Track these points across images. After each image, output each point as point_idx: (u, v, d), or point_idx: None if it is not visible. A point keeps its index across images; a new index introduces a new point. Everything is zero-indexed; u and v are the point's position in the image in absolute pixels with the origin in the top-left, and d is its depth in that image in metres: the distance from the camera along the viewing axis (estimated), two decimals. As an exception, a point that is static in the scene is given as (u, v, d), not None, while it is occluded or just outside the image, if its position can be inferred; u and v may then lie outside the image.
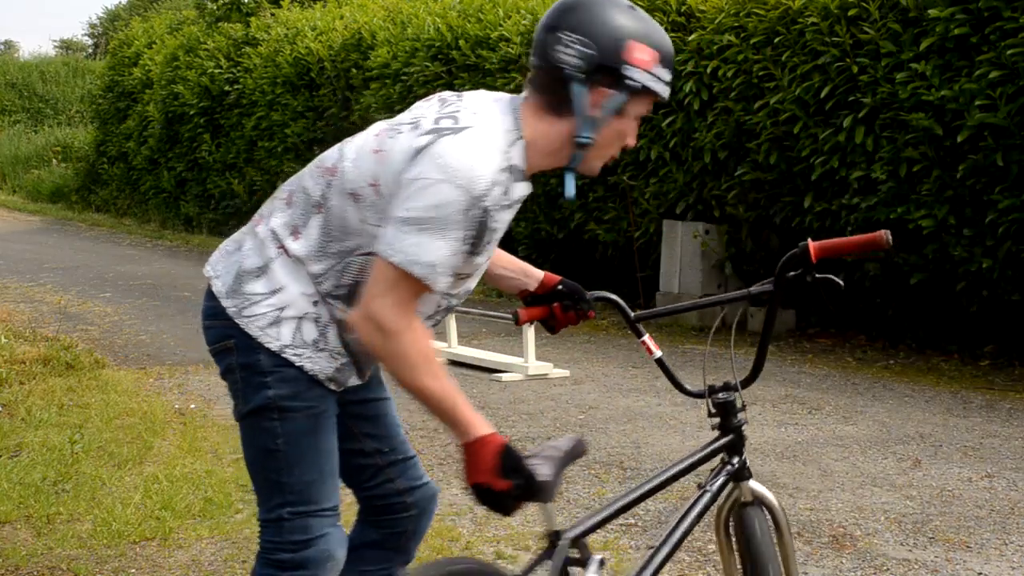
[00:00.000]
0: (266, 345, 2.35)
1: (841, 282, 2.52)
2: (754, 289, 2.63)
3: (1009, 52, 7.01)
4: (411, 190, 2.21)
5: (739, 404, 2.60)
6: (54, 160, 25.42)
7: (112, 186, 21.10)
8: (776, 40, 8.54)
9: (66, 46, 46.93)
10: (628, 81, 2.29)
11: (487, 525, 4.50)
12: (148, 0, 37.24)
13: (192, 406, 6.62)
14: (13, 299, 10.79)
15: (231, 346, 2.38)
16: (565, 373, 7.43)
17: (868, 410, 6.42)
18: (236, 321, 2.35)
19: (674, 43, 9.18)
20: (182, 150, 18.20)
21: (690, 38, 9.25)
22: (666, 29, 9.32)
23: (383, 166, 2.29)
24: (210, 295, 2.42)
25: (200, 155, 17.57)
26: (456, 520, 4.56)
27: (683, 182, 9.44)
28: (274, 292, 2.35)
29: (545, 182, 10.88)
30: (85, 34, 49.47)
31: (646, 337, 2.66)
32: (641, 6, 10.24)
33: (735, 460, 2.58)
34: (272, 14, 16.93)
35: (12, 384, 6.87)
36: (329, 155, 2.42)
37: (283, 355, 2.35)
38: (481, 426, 2.22)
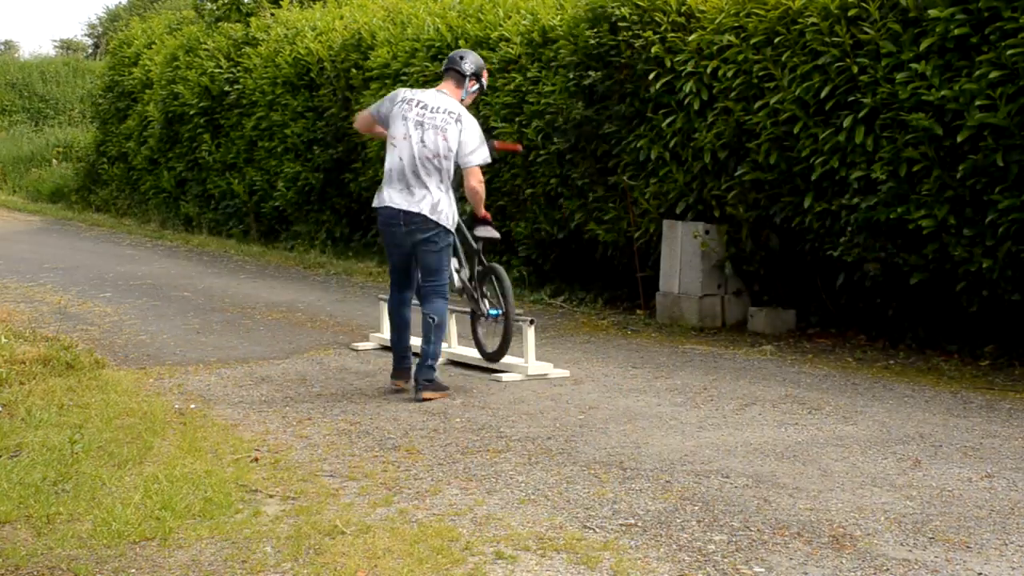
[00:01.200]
0: (448, 227, 6.73)
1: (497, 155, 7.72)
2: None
3: (1009, 52, 7.01)
4: (469, 137, 6.70)
5: (479, 247, 7.33)
6: (54, 160, 25.41)
7: (112, 186, 21.08)
8: (776, 40, 8.53)
9: (66, 46, 46.92)
10: (482, 81, 7.00)
11: (487, 525, 4.50)
12: (148, 0, 37.24)
13: (192, 406, 6.62)
14: (13, 299, 10.80)
15: (438, 231, 6.63)
16: (565, 373, 7.42)
17: (868, 410, 6.42)
18: (439, 222, 6.65)
19: (674, 43, 9.32)
20: (182, 150, 18.18)
21: (690, 38, 9.23)
22: (666, 29, 9.45)
23: (451, 140, 6.67)
24: (418, 217, 6.63)
25: (200, 155, 17.55)
26: (456, 520, 4.56)
27: (683, 182, 9.43)
28: (444, 210, 6.65)
29: (546, 183, 10.88)
30: (85, 34, 49.47)
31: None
32: (642, 6, 10.20)
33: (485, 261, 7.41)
34: (272, 14, 16.91)
35: (12, 384, 6.88)
36: (423, 151, 6.63)
37: (452, 228, 6.84)
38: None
